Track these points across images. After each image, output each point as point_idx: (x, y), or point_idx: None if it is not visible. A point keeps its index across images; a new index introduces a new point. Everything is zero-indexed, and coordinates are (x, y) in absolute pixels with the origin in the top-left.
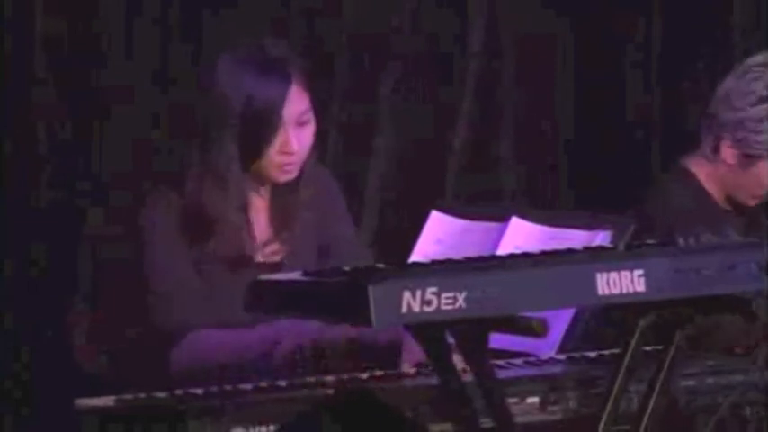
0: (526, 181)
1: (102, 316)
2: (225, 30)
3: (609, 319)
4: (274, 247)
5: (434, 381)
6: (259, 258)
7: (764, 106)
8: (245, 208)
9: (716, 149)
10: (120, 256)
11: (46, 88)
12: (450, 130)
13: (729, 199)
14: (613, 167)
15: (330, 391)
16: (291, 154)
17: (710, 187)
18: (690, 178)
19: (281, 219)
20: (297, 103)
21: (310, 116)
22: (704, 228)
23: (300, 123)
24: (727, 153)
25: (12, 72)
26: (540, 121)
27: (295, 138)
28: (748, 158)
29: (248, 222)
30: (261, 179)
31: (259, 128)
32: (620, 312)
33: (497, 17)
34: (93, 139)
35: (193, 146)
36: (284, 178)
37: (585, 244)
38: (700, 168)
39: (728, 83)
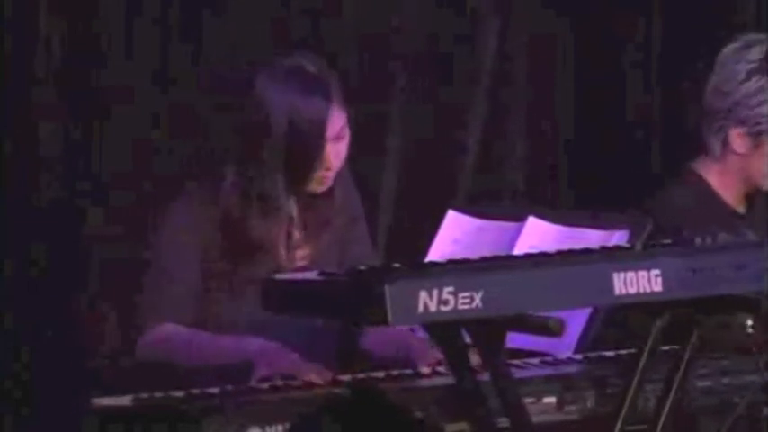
0: (526, 181)
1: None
2: (225, 30)
3: (612, 321)
4: (305, 251)
5: (450, 380)
6: (287, 264)
7: (752, 81)
8: (284, 226)
9: (725, 143)
10: (121, 255)
11: (46, 88)
12: (460, 129)
13: (749, 195)
14: (613, 167)
15: (346, 390)
16: (329, 169)
17: (724, 189)
18: (696, 179)
19: (315, 225)
20: (337, 120)
21: (347, 131)
22: (716, 228)
23: (338, 139)
24: (737, 142)
25: (12, 72)
26: (540, 121)
27: (333, 153)
28: (757, 138)
29: (288, 238)
30: (297, 190)
31: (304, 149)
32: (622, 313)
33: (509, 17)
34: (93, 139)
35: (233, 167)
36: (320, 190)
37: (602, 244)
38: (709, 170)
39: (712, 79)
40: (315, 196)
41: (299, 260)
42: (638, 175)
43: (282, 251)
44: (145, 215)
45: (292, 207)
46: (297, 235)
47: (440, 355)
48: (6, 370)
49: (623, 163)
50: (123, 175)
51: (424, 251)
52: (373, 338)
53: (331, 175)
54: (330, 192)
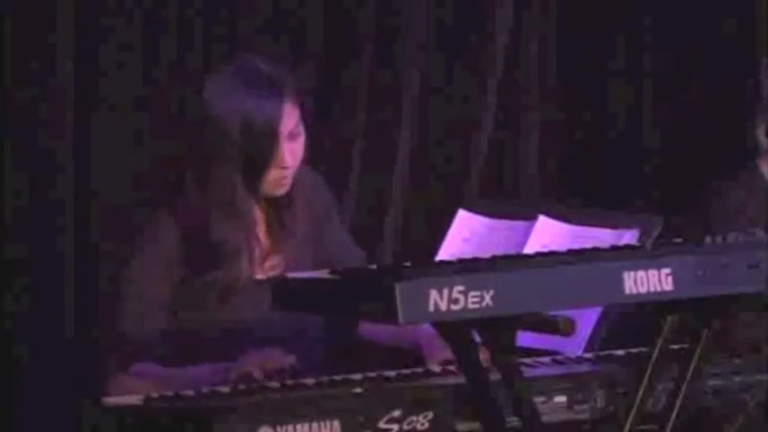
0: (534, 181)
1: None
2: (226, 30)
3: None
4: (274, 260)
5: (461, 379)
6: (260, 275)
7: None
8: (250, 229)
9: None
10: (119, 257)
11: (46, 88)
12: (470, 128)
13: None
14: (614, 167)
15: (358, 389)
16: (286, 168)
17: None
18: (756, 172)
19: (279, 231)
20: (289, 118)
21: (301, 129)
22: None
23: (293, 136)
24: None
25: (12, 72)
26: (549, 119)
27: (289, 152)
28: None
29: (252, 243)
30: (257, 195)
31: (258, 147)
32: (618, 315)
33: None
34: (93, 139)
35: (191, 174)
36: (280, 191)
37: (612, 243)
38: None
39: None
40: (276, 201)
41: (269, 270)
42: (639, 174)
43: (249, 256)
44: (144, 216)
45: (254, 210)
46: (263, 242)
47: (449, 353)
48: (6, 370)
49: (624, 163)
50: (123, 176)
51: (435, 250)
52: (377, 330)
53: (288, 174)
54: (290, 196)
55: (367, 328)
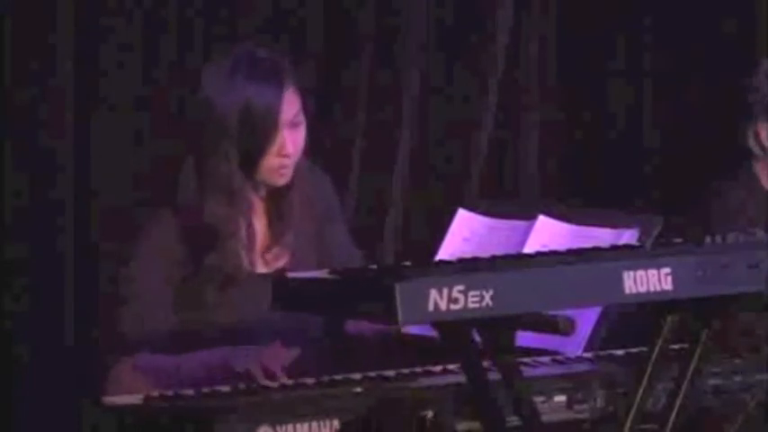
0: (533, 180)
1: None
2: (227, 29)
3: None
4: (275, 251)
5: (461, 379)
6: (261, 266)
7: None
8: (248, 217)
9: (757, 137)
10: (119, 257)
11: (46, 88)
12: (470, 127)
13: None
14: (614, 167)
15: (358, 389)
16: (287, 156)
17: None
18: (752, 175)
19: (280, 222)
20: (290, 105)
21: (302, 117)
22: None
23: (294, 125)
24: (763, 134)
25: (12, 72)
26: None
27: (290, 140)
28: None
29: (251, 231)
30: (258, 184)
31: (258, 134)
32: (618, 315)
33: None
34: (93, 139)
35: (190, 162)
36: (281, 181)
37: (612, 242)
38: (762, 170)
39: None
40: (276, 192)
41: (271, 261)
42: (640, 174)
43: (246, 242)
44: (144, 216)
45: (253, 199)
46: (264, 232)
47: None
48: (6, 369)
49: (624, 163)
50: (123, 176)
51: (435, 250)
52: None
53: (289, 163)
54: (289, 187)
55: (353, 325)
